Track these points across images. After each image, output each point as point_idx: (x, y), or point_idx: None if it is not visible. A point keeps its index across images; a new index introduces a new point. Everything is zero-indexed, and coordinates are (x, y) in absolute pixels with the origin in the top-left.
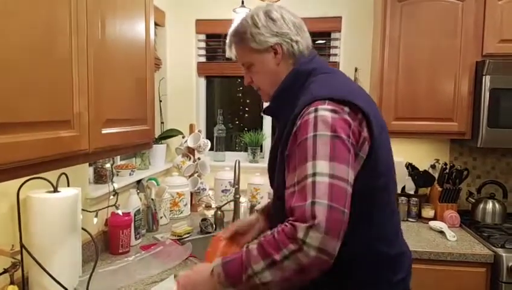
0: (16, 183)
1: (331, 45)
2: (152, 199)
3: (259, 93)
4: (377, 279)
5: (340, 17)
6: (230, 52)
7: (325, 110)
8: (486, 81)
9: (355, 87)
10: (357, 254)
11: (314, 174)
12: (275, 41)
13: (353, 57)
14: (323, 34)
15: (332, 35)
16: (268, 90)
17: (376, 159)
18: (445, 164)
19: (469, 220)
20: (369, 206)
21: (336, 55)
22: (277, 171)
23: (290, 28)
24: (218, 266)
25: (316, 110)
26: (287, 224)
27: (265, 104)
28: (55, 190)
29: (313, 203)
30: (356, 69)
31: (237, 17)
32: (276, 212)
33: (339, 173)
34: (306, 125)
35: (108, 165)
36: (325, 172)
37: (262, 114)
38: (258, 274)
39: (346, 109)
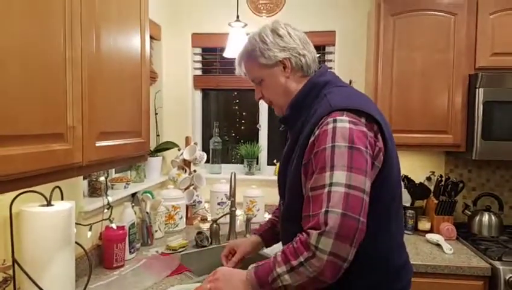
0: (8, 196)
1: (325, 58)
2: (147, 212)
3: (272, 107)
4: (384, 285)
5: (334, 31)
6: (240, 70)
7: (343, 121)
8: (480, 94)
9: (368, 100)
10: (367, 263)
11: (330, 184)
12: (284, 56)
13: (347, 70)
14: (317, 47)
15: (327, 49)
16: (280, 103)
17: (389, 169)
18: (441, 176)
19: (465, 233)
20: (383, 216)
21: (330, 68)
22: (290, 180)
23: (297, 43)
24: (251, 269)
25: (334, 121)
26: (303, 233)
27: (261, 116)
28: (49, 204)
29: (327, 211)
30: (350, 82)
31: (232, 32)
32: (286, 223)
33: (356, 183)
34: (325, 135)
35: (102, 178)
36: (342, 182)
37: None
38: (280, 276)
39: (363, 120)
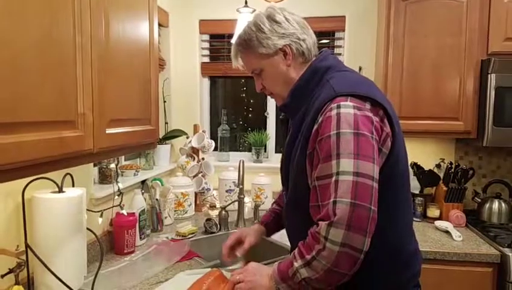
0: (21, 183)
1: (335, 44)
2: (157, 199)
3: (272, 98)
4: (394, 275)
5: (344, 17)
6: (237, 62)
7: (348, 107)
8: (492, 79)
9: (372, 85)
10: (378, 252)
11: (337, 173)
12: (284, 42)
13: (357, 56)
14: (327, 33)
15: (336, 35)
16: (282, 93)
17: (397, 155)
18: (451, 163)
19: (475, 220)
20: (393, 203)
21: (339, 54)
22: (293, 171)
23: (296, 28)
24: (275, 264)
25: (338, 107)
26: (315, 225)
27: (269, 104)
28: (60, 190)
29: (335, 202)
30: (360, 68)
31: (240, 18)
32: (290, 212)
33: (364, 170)
34: (328, 122)
35: (113, 166)
36: (349, 170)
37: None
38: (299, 270)
39: (368, 105)
